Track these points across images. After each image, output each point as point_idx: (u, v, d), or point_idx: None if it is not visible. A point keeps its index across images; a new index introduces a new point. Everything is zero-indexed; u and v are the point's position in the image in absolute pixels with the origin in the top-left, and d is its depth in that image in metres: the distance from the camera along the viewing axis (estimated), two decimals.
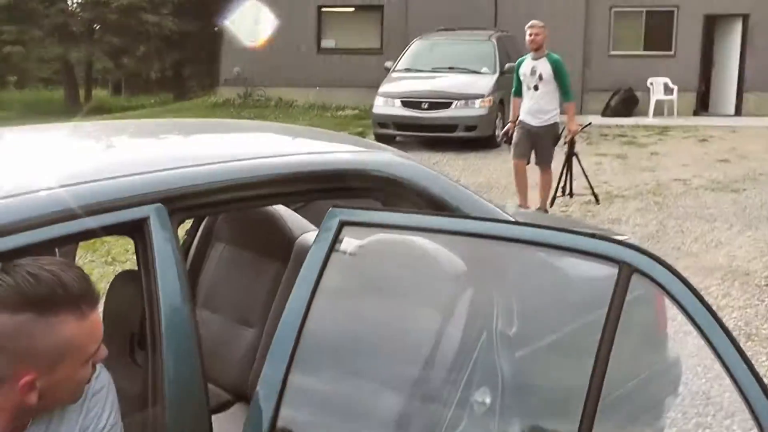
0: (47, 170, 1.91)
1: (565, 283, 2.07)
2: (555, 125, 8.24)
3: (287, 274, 2.72)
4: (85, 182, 1.76)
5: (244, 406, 2.79)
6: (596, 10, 18.28)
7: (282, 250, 2.79)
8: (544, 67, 8.13)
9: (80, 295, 1.34)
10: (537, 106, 8.17)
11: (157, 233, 1.74)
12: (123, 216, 1.72)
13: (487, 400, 1.91)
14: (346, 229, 1.79)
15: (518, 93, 8.46)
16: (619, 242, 1.69)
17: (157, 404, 1.67)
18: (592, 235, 1.73)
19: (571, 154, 8.73)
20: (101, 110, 23.71)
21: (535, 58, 8.24)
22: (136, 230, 1.75)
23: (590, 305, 2.00)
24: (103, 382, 1.58)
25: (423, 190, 2.33)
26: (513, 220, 2.49)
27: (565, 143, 8.58)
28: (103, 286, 6.40)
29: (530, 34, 8.26)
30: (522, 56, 8.60)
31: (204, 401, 1.76)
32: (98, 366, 1.54)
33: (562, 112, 8.38)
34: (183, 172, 1.90)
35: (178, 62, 29.50)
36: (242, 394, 2.81)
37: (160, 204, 1.77)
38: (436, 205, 2.30)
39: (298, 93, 19.69)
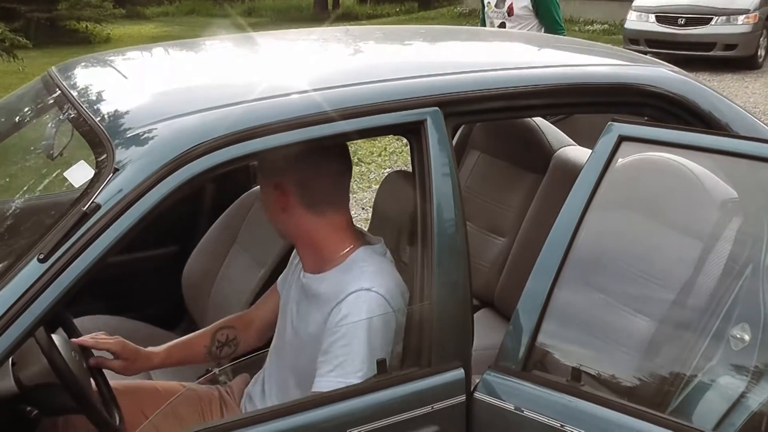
0: (329, 71, 2.02)
1: None
2: None
3: (543, 186, 2.71)
4: (369, 83, 1.84)
5: (489, 312, 2.86)
6: None
7: (539, 162, 2.77)
8: None
9: None
10: None
11: (432, 136, 1.78)
12: (403, 117, 1.78)
13: (746, 337, 1.80)
14: (624, 145, 1.73)
15: None
16: None
17: (425, 300, 1.75)
18: None
19: None
20: (348, 17, 24.39)
21: None
22: (413, 132, 1.80)
23: None
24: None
25: (693, 106, 2.19)
26: None
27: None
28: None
29: None
30: None
31: (468, 301, 1.80)
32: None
33: None
34: (459, 78, 1.92)
35: None
36: (488, 301, 2.88)
37: (436, 108, 1.81)
38: (704, 122, 2.17)
39: None
